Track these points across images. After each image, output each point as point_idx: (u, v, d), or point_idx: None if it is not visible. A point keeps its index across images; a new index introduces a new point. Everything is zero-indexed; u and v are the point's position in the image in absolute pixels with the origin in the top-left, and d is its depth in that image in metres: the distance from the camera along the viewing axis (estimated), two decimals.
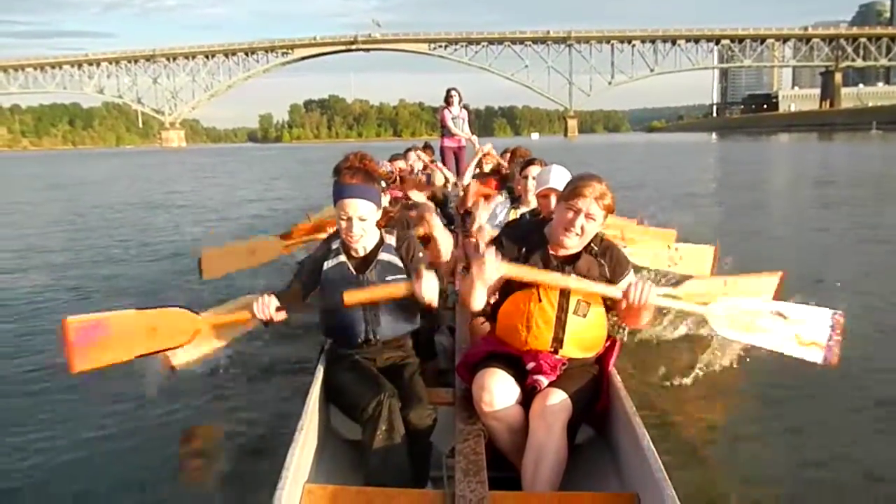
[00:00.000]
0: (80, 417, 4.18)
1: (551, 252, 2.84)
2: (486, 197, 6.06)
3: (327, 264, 3.05)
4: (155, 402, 4.24)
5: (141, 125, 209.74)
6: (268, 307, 2.84)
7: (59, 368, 4.84)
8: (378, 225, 3.11)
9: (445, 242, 4.95)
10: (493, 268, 2.69)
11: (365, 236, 3.00)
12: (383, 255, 3.05)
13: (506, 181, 6.32)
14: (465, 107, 11.54)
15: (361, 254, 3.05)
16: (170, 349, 3.10)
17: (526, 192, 4.72)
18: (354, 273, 3.00)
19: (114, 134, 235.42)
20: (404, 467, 2.74)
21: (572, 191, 2.78)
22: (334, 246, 3.07)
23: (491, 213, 5.10)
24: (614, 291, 2.77)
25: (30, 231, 13.72)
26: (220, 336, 3.62)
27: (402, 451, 2.73)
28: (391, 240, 3.11)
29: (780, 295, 4.53)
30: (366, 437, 2.73)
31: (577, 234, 2.76)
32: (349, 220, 2.93)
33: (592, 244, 2.85)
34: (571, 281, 2.76)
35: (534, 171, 4.60)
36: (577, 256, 2.84)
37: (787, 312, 2.90)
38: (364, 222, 2.96)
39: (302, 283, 3.05)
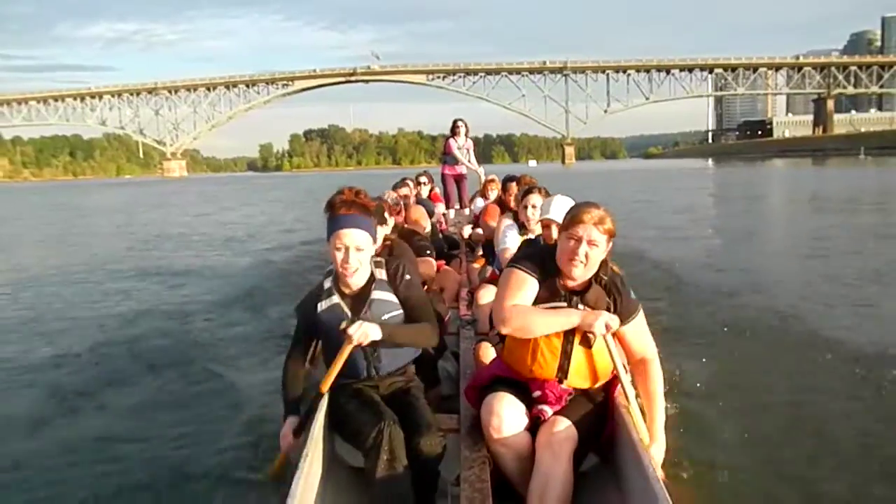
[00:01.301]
0: (72, 433, 4.43)
1: (560, 283, 2.80)
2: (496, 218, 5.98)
3: (321, 306, 3.02)
4: (153, 431, 4.40)
5: (142, 155, 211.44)
6: (289, 440, 2.94)
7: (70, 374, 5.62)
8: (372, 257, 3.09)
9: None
10: (602, 324, 2.67)
11: (360, 269, 2.96)
12: (377, 294, 3.01)
13: (509, 209, 6.30)
14: (471, 137, 11.78)
15: (354, 289, 3.02)
16: None
17: (528, 220, 4.73)
18: (350, 315, 2.97)
19: (114, 164, 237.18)
20: (408, 495, 2.72)
21: (571, 219, 2.76)
22: (326, 286, 3.04)
23: (501, 236, 5.10)
24: (630, 390, 2.84)
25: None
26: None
27: (405, 479, 2.70)
28: (382, 274, 3.06)
29: None
30: (368, 466, 2.72)
31: (582, 263, 2.72)
32: (346, 250, 2.89)
33: (601, 273, 2.80)
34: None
35: (533, 199, 4.63)
36: (586, 287, 2.80)
37: None
38: (360, 253, 2.92)
39: (306, 333, 3.12)
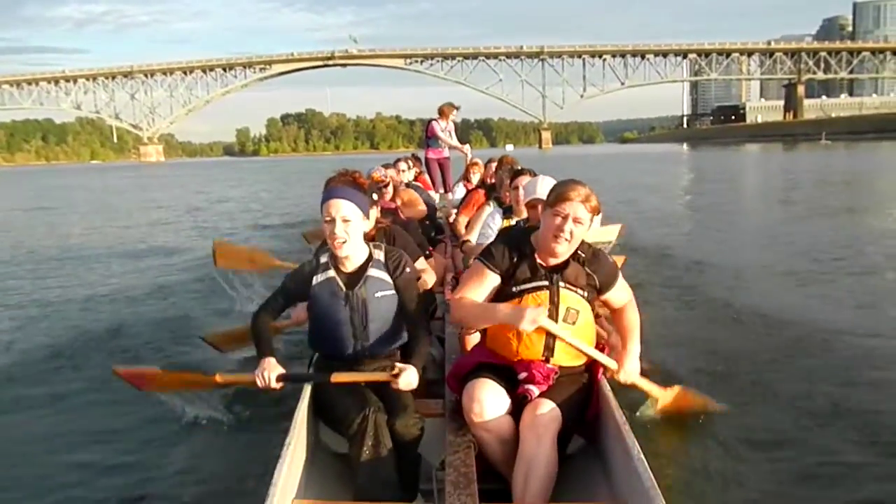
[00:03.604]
0: (66, 430, 4.27)
1: (539, 261, 2.80)
2: (478, 208, 5.97)
3: (316, 279, 3.03)
4: (137, 416, 4.28)
5: (116, 140, 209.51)
6: (268, 379, 2.88)
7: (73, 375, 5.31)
8: (367, 237, 3.11)
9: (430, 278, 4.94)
10: (531, 320, 2.65)
11: (349, 242, 2.94)
12: (373, 272, 3.02)
13: (492, 191, 6.31)
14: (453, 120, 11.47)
15: (350, 269, 3.02)
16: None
17: (518, 203, 4.70)
18: (344, 289, 2.99)
19: (88, 149, 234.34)
20: (392, 481, 2.73)
21: (557, 196, 2.76)
22: (323, 260, 3.04)
23: (483, 224, 5.12)
24: (609, 363, 2.94)
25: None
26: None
27: (389, 465, 2.72)
28: (380, 255, 3.07)
29: None
30: (353, 452, 2.72)
31: (567, 240, 2.72)
32: (332, 221, 2.91)
33: (579, 251, 2.82)
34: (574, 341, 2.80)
35: (524, 181, 4.58)
36: (564, 265, 2.81)
37: None
38: (348, 224, 2.92)
39: (286, 296, 3.11)
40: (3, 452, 3.96)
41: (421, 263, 4.19)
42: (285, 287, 3.10)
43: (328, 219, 2.93)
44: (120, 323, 6.74)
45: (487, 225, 5.02)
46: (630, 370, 2.99)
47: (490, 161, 7.11)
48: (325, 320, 3.02)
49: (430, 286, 4.79)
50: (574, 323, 2.80)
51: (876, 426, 3.93)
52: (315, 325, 3.11)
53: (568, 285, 2.79)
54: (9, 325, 7.13)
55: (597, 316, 3.01)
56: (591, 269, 2.84)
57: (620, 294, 2.98)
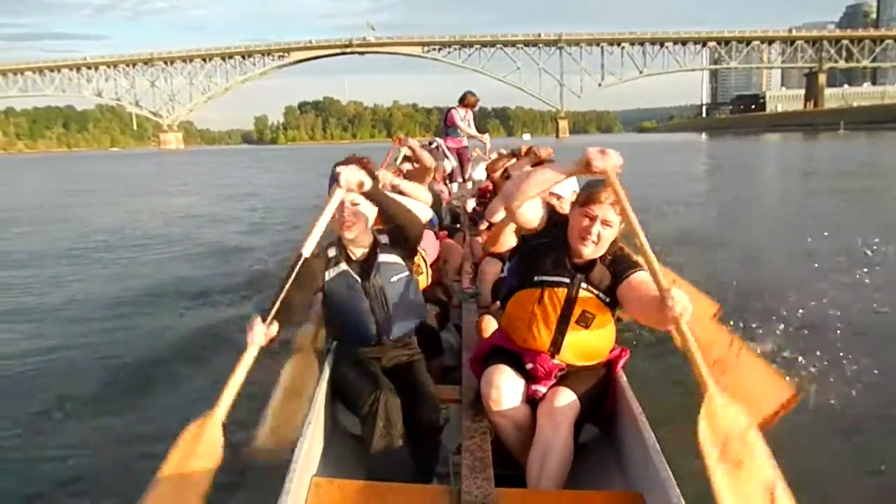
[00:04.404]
0: (86, 403, 4.53)
1: (566, 257, 2.76)
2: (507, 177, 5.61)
3: (329, 274, 3.00)
4: (158, 395, 4.51)
5: (136, 127, 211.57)
6: (254, 336, 2.48)
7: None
8: (374, 222, 3.07)
9: (427, 157, 5.35)
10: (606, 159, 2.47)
11: (358, 224, 2.96)
12: (382, 257, 3.04)
13: None
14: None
15: (359, 255, 3.04)
16: None
17: None
18: (360, 281, 3.00)
19: (108, 136, 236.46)
20: (405, 463, 2.76)
21: (588, 197, 2.71)
22: (332, 254, 3.02)
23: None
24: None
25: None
26: None
27: (402, 447, 2.74)
28: (384, 238, 3.10)
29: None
30: (366, 433, 2.76)
31: (594, 242, 2.68)
32: (341, 204, 2.87)
33: (607, 253, 2.74)
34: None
35: None
36: (590, 265, 2.75)
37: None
38: (356, 207, 2.93)
39: (299, 289, 2.75)
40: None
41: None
42: (299, 285, 2.70)
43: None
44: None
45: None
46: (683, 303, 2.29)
47: (515, 153, 6.76)
48: (345, 313, 3.03)
49: (456, 261, 5.17)
50: (587, 327, 2.74)
51: None
52: (335, 318, 3.11)
53: (590, 287, 2.74)
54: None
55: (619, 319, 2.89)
56: (612, 270, 2.74)
57: (649, 286, 2.49)
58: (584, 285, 2.73)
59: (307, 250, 2.68)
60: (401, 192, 4.86)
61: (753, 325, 5.72)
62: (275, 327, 2.54)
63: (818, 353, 5.03)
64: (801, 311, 6.12)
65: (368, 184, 2.77)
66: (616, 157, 2.49)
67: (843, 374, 4.73)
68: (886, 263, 8.35)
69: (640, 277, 2.64)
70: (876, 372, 4.74)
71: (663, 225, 11.79)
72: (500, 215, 3.18)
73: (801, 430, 3.84)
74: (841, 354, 4.98)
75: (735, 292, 6.58)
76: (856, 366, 4.81)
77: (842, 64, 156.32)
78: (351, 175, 2.73)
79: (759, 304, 6.31)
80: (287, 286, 2.59)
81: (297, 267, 2.66)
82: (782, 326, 5.77)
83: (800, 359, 4.95)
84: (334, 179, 2.82)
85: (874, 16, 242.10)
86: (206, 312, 7.10)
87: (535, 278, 2.79)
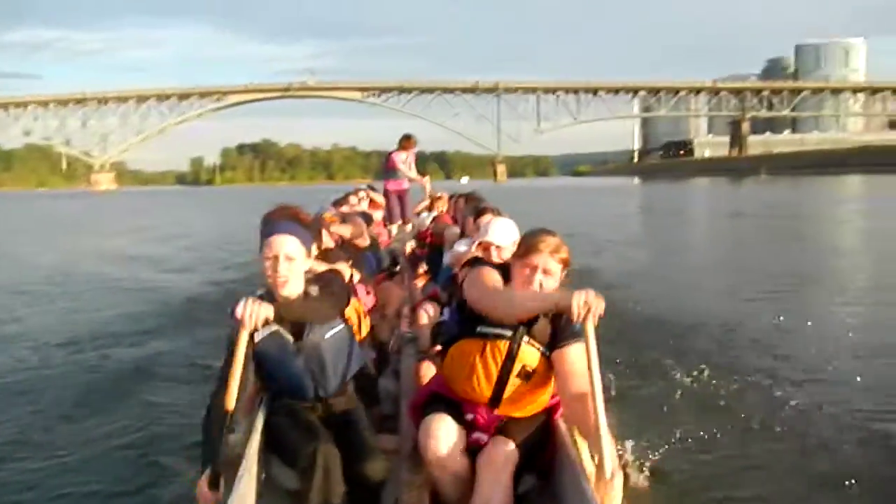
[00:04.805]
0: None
1: None
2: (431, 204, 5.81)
3: (258, 336, 2.78)
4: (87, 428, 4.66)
5: (65, 167, 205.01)
6: (256, 316, 2.55)
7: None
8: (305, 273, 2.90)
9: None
10: (579, 301, 2.45)
11: (291, 280, 2.77)
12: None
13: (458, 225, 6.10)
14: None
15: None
16: None
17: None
18: (292, 340, 2.84)
19: (36, 176, 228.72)
20: None
21: (527, 247, 2.66)
22: None
23: (456, 241, 5.02)
24: (561, 301, 2.53)
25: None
26: None
27: (341, 502, 2.61)
28: (314, 291, 2.88)
29: None
30: (303, 488, 2.61)
31: None
32: (275, 258, 2.73)
33: None
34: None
35: (485, 219, 4.33)
36: (534, 319, 2.65)
37: None
38: (291, 262, 2.75)
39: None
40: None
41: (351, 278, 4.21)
42: (230, 358, 2.66)
43: (270, 256, 2.76)
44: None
45: (461, 241, 4.84)
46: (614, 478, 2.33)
47: (454, 196, 7.01)
48: (278, 372, 2.87)
49: (394, 304, 5.23)
50: (528, 380, 2.69)
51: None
52: (268, 378, 2.95)
53: (531, 341, 2.68)
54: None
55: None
56: (556, 324, 2.69)
57: (580, 366, 2.55)
58: (525, 339, 2.67)
59: (230, 402, 2.54)
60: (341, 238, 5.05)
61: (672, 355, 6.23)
62: (270, 310, 2.58)
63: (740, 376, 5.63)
64: (720, 339, 6.90)
65: (271, 313, 2.59)
66: (600, 307, 2.46)
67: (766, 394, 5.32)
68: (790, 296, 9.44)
69: (576, 353, 2.60)
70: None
71: (609, 261, 12.92)
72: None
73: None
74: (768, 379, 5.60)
75: (667, 322, 7.49)
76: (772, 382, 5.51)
77: (763, 113, 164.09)
78: (250, 314, 2.55)
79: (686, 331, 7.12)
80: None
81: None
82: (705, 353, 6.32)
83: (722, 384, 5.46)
84: (269, 231, 2.79)
85: (792, 69, 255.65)
86: (129, 350, 7.30)
87: (478, 329, 2.73)
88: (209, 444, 2.59)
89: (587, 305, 2.44)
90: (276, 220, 2.93)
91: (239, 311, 2.55)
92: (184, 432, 4.53)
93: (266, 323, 2.62)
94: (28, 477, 4.23)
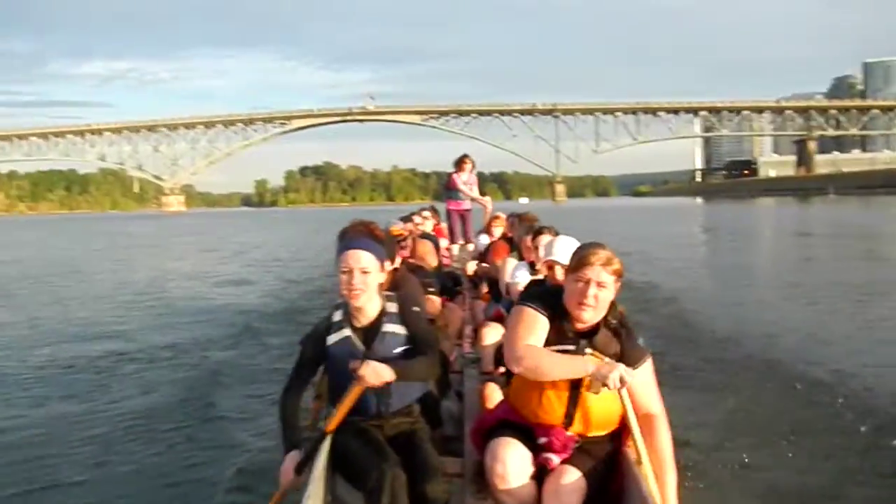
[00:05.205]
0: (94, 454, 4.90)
1: (568, 325, 2.71)
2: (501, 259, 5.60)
3: (331, 339, 2.93)
4: (149, 463, 4.74)
5: (137, 190, 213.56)
6: (289, 475, 2.77)
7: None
8: (380, 287, 3.00)
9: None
10: (616, 377, 2.52)
11: (366, 292, 2.87)
12: (388, 327, 2.95)
13: (514, 246, 6.07)
14: (474, 172, 11.54)
15: (365, 322, 2.95)
16: None
17: (539, 260, 4.47)
18: (362, 348, 2.91)
19: (109, 199, 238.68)
20: None
21: (579, 261, 2.69)
22: (336, 318, 2.97)
23: (510, 274, 4.98)
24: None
25: None
26: None
27: None
28: (392, 307, 2.99)
29: None
30: None
31: (592, 306, 2.63)
32: (350, 272, 2.83)
33: (609, 316, 2.72)
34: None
35: (544, 240, 4.40)
36: (594, 330, 2.70)
37: None
38: (366, 276, 2.85)
39: (307, 365, 3.01)
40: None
41: (434, 306, 4.50)
42: (304, 356, 3.01)
43: (345, 269, 2.85)
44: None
45: (514, 275, 4.87)
46: None
47: (511, 215, 7.08)
48: (345, 381, 2.87)
49: (456, 324, 5.24)
50: (598, 392, 2.62)
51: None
52: (334, 385, 3.01)
53: (595, 353, 2.67)
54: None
55: None
56: (620, 340, 2.72)
57: (646, 390, 2.73)
58: (588, 350, 2.67)
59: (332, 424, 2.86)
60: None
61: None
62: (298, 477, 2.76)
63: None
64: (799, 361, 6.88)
65: (390, 376, 2.77)
66: (628, 378, 2.55)
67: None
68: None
69: (643, 377, 2.70)
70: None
71: (677, 282, 12.88)
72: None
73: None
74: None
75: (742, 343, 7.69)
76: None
77: (831, 132, 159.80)
78: (374, 375, 2.75)
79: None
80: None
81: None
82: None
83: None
84: (345, 246, 2.91)
85: (860, 87, 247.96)
86: (219, 353, 8.10)
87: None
88: (287, 434, 2.92)
89: (623, 383, 2.54)
90: (351, 236, 3.00)
91: (363, 370, 2.76)
92: (268, 424, 5.10)
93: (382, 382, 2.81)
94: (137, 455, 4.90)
